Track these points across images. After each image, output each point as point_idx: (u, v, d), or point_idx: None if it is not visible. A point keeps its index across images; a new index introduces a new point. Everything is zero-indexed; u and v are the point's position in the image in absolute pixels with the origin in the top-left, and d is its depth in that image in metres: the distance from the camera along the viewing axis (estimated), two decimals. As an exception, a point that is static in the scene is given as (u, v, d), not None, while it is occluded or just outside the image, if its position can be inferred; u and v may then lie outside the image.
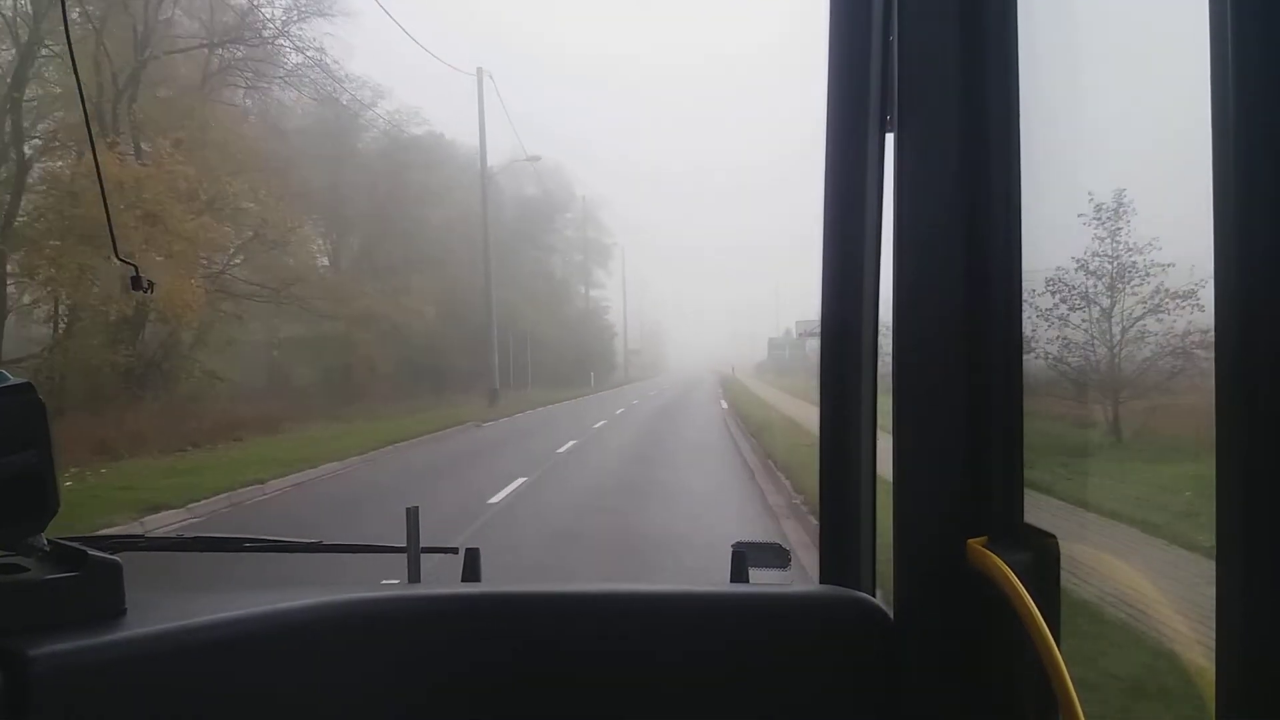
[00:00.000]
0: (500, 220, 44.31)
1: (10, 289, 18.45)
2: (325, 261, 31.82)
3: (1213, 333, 0.86)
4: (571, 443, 18.41)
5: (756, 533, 8.57)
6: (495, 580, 1.78)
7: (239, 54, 23.08)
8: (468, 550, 1.83)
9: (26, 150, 18.18)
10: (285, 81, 24.70)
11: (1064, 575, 1.25)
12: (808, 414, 15.28)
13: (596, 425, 24.32)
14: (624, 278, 73.30)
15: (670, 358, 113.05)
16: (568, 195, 57.72)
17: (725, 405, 32.60)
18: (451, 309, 33.86)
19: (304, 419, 21.46)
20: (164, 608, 1.29)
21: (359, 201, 31.97)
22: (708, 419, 27.86)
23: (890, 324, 1.39)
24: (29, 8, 17.62)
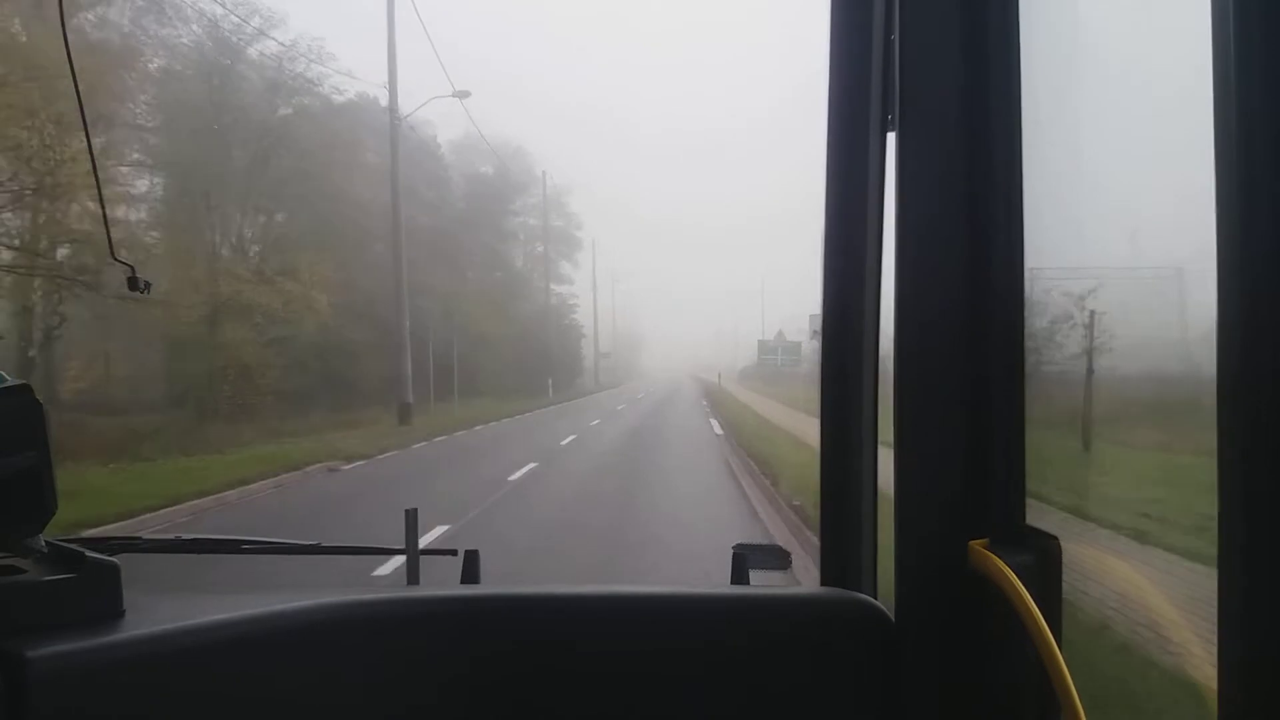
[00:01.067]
0: (447, 201, 38.95)
1: None
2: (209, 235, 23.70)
3: (1214, 333, 0.86)
4: (439, 530, 8.83)
5: None
6: (494, 582, 1.77)
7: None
8: (467, 552, 1.83)
9: None
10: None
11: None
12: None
13: (518, 475, 14.59)
14: (594, 271, 64.34)
15: (645, 362, 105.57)
16: (529, 177, 49.60)
17: (719, 430, 22.96)
18: (361, 300, 26.07)
19: (84, 455, 14.23)
20: (162, 609, 1.28)
21: (232, 156, 23.69)
22: (700, 460, 17.48)
23: (892, 324, 1.39)
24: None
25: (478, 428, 24.80)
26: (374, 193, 27.97)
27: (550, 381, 44.50)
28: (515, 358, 41.04)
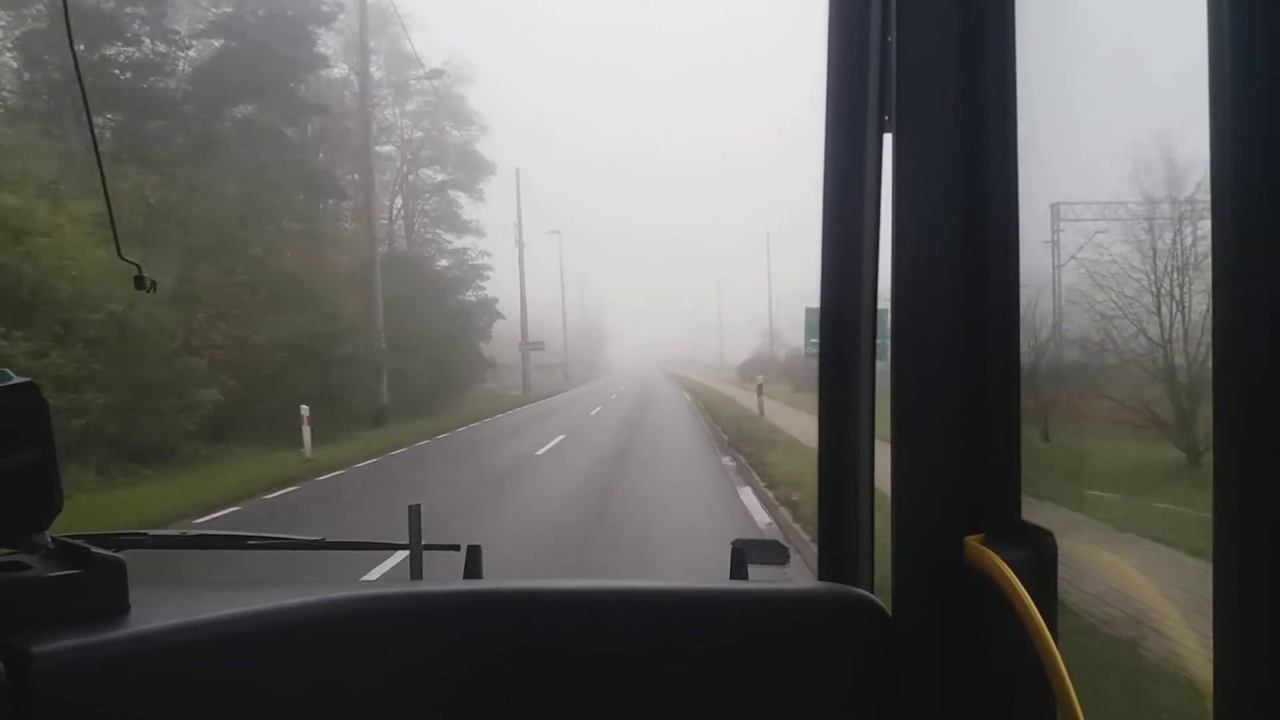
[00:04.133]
0: (164, 36, 20.21)
1: None
2: None
3: (1211, 331, 0.87)
4: None
5: None
6: (497, 577, 1.79)
7: None
8: (470, 547, 1.84)
9: None
10: None
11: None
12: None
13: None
14: (519, 215, 41.54)
15: (610, 357, 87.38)
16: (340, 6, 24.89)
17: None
18: None
19: None
20: (168, 605, 1.29)
21: None
22: None
23: (889, 322, 1.40)
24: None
25: None
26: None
27: (305, 415, 17.91)
28: (240, 365, 18.89)
